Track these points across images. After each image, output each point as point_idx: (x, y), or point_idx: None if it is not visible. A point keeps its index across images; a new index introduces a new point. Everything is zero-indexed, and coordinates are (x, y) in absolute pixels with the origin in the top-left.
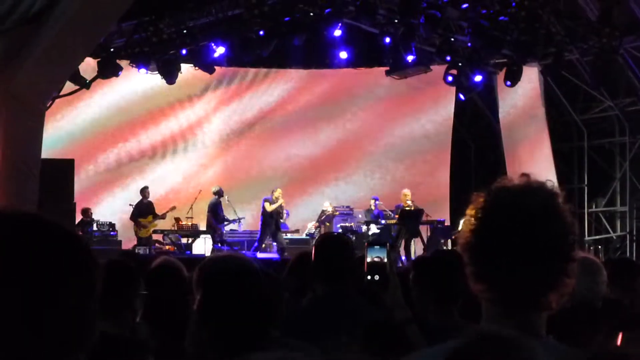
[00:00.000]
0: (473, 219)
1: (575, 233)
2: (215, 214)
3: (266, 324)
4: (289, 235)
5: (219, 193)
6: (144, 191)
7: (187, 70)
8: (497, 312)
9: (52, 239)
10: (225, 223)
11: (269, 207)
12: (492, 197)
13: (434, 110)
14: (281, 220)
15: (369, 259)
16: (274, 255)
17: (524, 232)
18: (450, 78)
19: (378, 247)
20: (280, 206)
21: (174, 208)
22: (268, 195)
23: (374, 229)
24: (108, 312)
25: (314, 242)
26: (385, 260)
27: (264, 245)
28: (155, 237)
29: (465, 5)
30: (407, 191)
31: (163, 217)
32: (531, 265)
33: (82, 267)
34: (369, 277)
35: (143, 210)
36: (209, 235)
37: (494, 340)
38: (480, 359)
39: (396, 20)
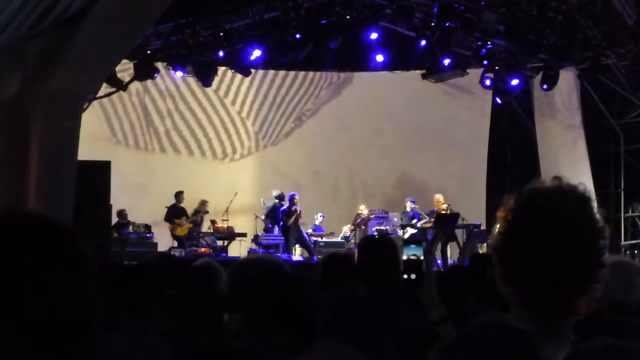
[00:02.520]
0: (503, 221)
1: (605, 238)
2: (275, 217)
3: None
4: (325, 239)
5: (280, 197)
6: (179, 196)
7: (222, 72)
8: (526, 316)
9: (34, 233)
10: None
11: (288, 221)
12: (523, 200)
13: (470, 113)
14: (316, 223)
15: (404, 257)
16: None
17: (555, 236)
18: (487, 82)
19: (414, 245)
20: (297, 210)
21: (204, 202)
22: (285, 204)
23: (409, 232)
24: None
25: (358, 244)
26: (422, 258)
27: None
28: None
29: (502, 9)
30: (439, 197)
31: (194, 216)
32: (561, 270)
33: (66, 258)
34: (405, 276)
35: (177, 213)
36: (244, 238)
37: (495, 327)
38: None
39: (433, 24)
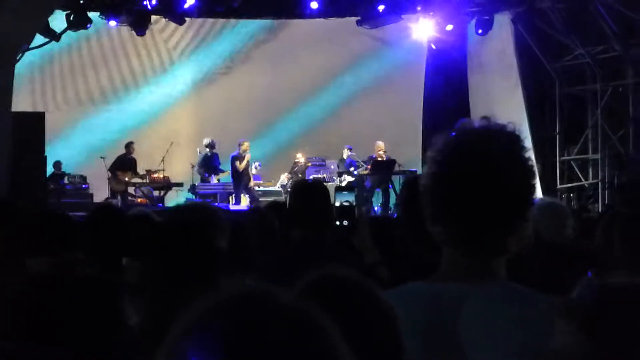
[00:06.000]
0: (432, 161)
1: (534, 177)
2: (208, 166)
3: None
4: (262, 187)
5: (211, 145)
6: (129, 147)
7: (156, 18)
8: (455, 255)
9: None
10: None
11: (239, 166)
12: (451, 140)
13: (405, 60)
14: (253, 172)
15: (337, 203)
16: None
17: (483, 175)
18: (421, 28)
19: (346, 192)
20: (249, 160)
21: (158, 171)
22: (234, 150)
23: (347, 180)
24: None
25: (289, 189)
26: (354, 204)
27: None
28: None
29: None
30: (380, 143)
31: (142, 177)
32: (489, 208)
33: None
34: (338, 222)
35: (124, 165)
36: (181, 188)
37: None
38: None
39: None
